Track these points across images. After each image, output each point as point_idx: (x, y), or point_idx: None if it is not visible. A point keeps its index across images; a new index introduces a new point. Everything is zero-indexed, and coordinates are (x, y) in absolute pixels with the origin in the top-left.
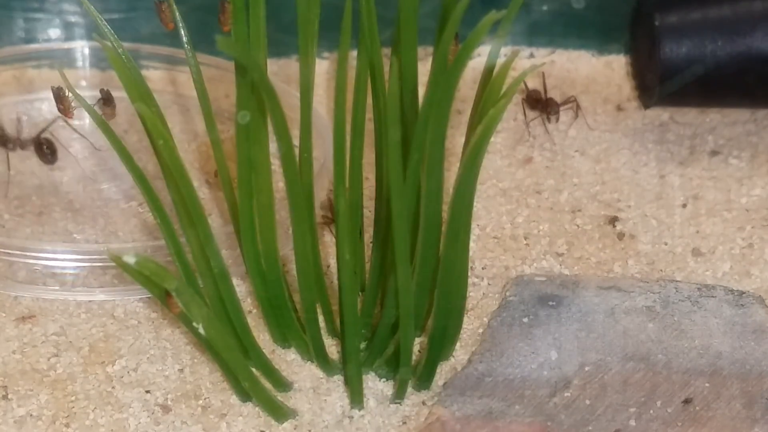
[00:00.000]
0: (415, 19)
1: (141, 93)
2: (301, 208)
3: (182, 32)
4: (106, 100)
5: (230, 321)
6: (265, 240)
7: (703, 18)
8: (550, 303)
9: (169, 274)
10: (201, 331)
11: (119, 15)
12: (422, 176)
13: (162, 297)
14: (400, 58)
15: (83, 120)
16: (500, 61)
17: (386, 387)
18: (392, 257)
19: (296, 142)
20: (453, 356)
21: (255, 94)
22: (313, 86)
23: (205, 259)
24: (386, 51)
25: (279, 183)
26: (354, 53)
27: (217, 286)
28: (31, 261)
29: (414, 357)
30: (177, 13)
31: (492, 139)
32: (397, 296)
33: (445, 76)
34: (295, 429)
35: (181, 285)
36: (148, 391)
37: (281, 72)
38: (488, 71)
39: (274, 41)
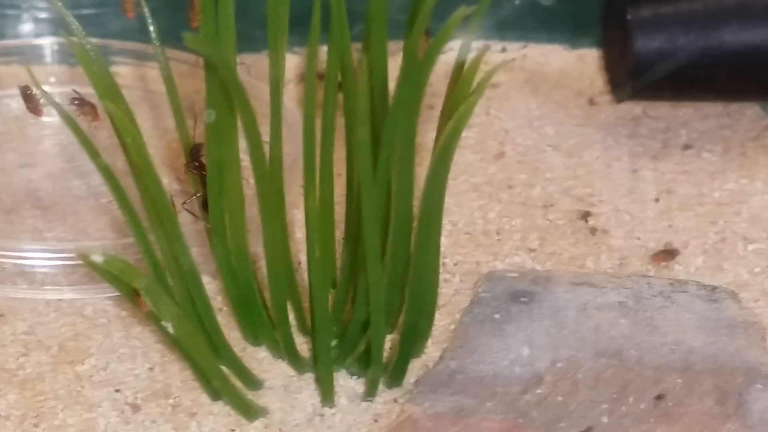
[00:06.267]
0: (385, 13)
1: (108, 89)
2: (271, 205)
3: (151, 28)
4: (87, 103)
5: (200, 319)
6: (235, 237)
7: (675, 12)
8: (522, 299)
9: (137, 273)
10: (170, 330)
11: (89, 11)
12: (393, 173)
13: (131, 296)
14: (369, 53)
15: (53, 116)
16: (471, 55)
17: (357, 384)
18: (363, 254)
19: (267, 138)
20: (424, 353)
21: (224, 91)
22: (283, 82)
23: (174, 257)
24: (358, 46)
25: (251, 179)
26: (325, 48)
27: (187, 284)
28: (0, 259)
29: (385, 354)
30: (146, 9)
31: (464, 133)
32: (368, 293)
33: (415, 72)
34: (265, 427)
35: (150, 284)
36: (117, 390)
37: (253, 67)
38: (459, 66)
39: (246, 36)
